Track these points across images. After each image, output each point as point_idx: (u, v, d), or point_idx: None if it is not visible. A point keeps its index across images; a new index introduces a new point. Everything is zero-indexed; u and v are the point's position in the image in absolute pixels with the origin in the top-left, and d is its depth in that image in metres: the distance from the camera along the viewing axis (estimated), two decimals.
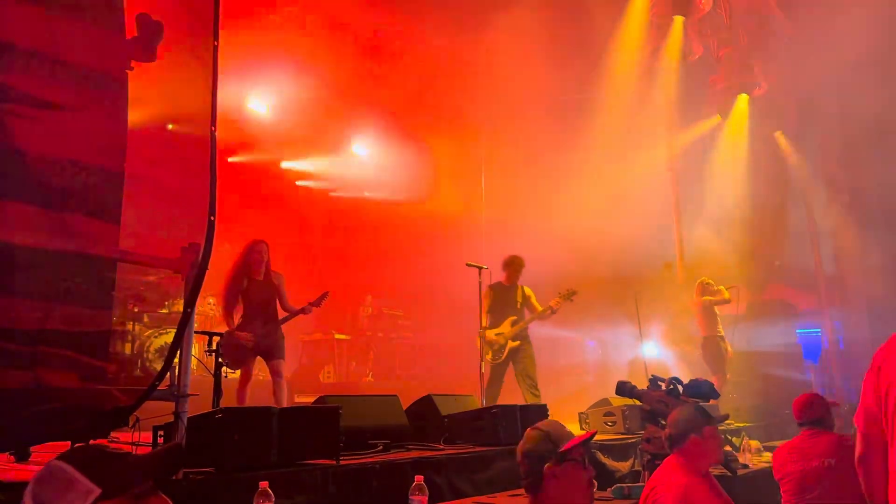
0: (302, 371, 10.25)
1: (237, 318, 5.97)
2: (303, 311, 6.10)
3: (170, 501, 1.40)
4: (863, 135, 10.53)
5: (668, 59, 10.59)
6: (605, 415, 6.37)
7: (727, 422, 7.71)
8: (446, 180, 11.29)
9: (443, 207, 10.70)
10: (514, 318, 7.24)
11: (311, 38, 9.56)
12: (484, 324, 7.09)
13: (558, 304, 7.08)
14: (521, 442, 2.41)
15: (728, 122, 11.51)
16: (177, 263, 2.87)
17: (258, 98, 10.00)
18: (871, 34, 9.02)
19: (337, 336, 10.21)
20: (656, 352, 10.19)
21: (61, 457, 1.39)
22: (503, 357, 7.14)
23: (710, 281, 9.39)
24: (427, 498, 2.64)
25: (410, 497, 2.64)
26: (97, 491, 1.32)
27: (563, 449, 2.30)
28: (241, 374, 6.11)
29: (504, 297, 7.30)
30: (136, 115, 2.63)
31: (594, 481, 2.42)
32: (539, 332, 7.76)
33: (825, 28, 9.45)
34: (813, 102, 11.17)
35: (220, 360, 3.71)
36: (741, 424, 8.34)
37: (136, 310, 7.66)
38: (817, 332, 12.55)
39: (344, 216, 10.75)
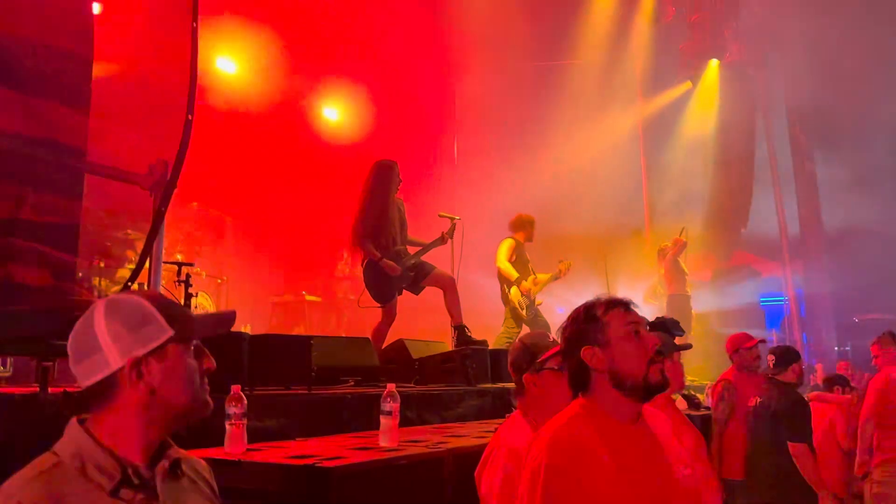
0: (272, 332, 10.19)
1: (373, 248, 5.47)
2: (441, 240, 5.80)
3: (210, 357, 1.44)
4: (830, 98, 10.72)
5: (641, 21, 10.64)
6: None
7: (691, 378, 7.94)
8: (419, 141, 11.24)
9: (416, 165, 10.67)
10: (533, 276, 7.44)
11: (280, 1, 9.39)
12: (515, 275, 7.28)
13: (562, 273, 7.32)
14: (509, 352, 2.54)
15: (698, 88, 11.63)
16: (143, 179, 2.83)
17: (226, 57, 9.79)
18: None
19: (308, 298, 10.15)
20: None
21: (131, 293, 1.43)
22: (529, 312, 7.38)
23: (667, 243, 9.60)
24: (399, 405, 2.66)
25: (382, 404, 2.67)
26: (170, 332, 1.36)
27: (540, 359, 2.39)
28: (386, 312, 5.66)
29: (523, 256, 7.46)
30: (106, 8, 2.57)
31: None
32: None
33: None
34: (781, 68, 11.34)
35: (189, 290, 3.68)
36: (705, 382, 8.54)
37: (102, 265, 7.55)
38: (780, 300, 12.86)
39: (318, 171, 10.62)
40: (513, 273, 7.33)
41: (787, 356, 4.43)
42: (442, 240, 5.86)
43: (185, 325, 1.40)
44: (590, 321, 1.86)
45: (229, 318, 1.50)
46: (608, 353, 1.82)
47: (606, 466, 1.71)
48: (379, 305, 5.63)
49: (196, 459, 1.53)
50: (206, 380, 1.44)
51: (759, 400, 4.34)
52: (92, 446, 1.31)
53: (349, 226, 5.67)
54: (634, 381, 1.79)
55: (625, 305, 1.88)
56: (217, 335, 1.48)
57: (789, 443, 4.08)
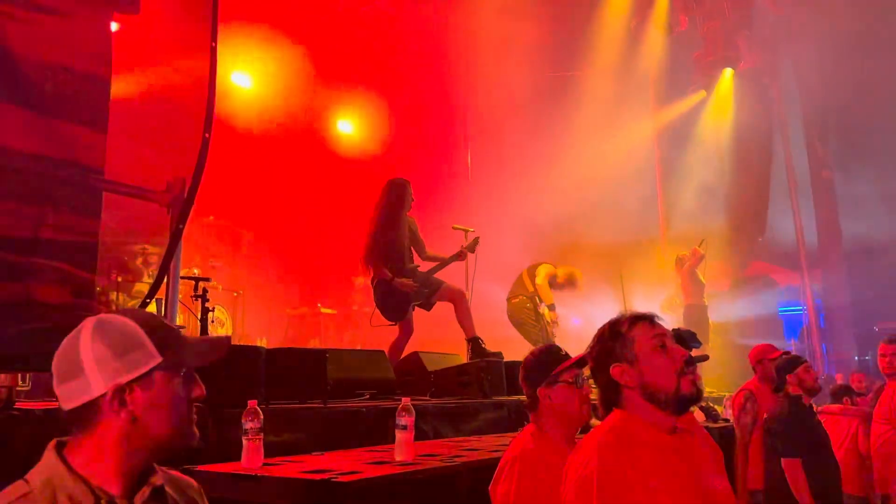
0: (288, 345, 10.23)
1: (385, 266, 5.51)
2: (459, 256, 5.82)
3: (202, 385, 1.38)
4: (846, 107, 10.65)
5: (654, 31, 10.63)
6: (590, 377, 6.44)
7: (709, 390, 7.88)
8: (433, 154, 11.28)
9: (429, 178, 10.71)
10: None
11: (295, 11, 9.49)
12: (551, 299, 7.77)
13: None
14: (521, 366, 2.53)
15: (713, 97, 11.58)
16: (161, 196, 2.87)
17: (241, 71, 9.90)
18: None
19: (323, 310, 10.19)
20: None
21: (123, 313, 1.34)
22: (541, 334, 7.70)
23: (685, 252, 9.57)
24: (414, 419, 2.67)
25: (397, 418, 2.67)
26: (158, 359, 1.30)
27: (554, 372, 2.40)
28: (403, 328, 5.70)
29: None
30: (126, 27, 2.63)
31: (590, 399, 2.49)
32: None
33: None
34: (796, 76, 11.28)
35: (206, 305, 3.72)
36: (724, 394, 8.45)
37: (119, 280, 7.63)
38: (799, 310, 12.72)
39: (332, 183, 10.68)
40: (550, 297, 7.73)
41: (789, 364, 4.30)
42: (461, 255, 5.87)
43: (176, 352, 1.33)
44: (616, 338, 1.87)
45: (223, 344, 1.44)
46: (637, 369, 1.82)
47: (654, 471, 1.70)
48: (391, 324, 5.65)
49: (187, 481, 1.46)
50: (193, 408, 1.36)
51: (768, 413, 4.30)
52: (64, 474, 1.25)
53: (362, 244, 5.69)
54: (667, 395, 1.79)
55: (650, 319, 1.89)
56: (218, 357, 1.41)
57: (782, 458, 4.03)
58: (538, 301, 7.87)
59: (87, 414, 1.28)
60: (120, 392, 1.27)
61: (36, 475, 1.25)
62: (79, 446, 1.28)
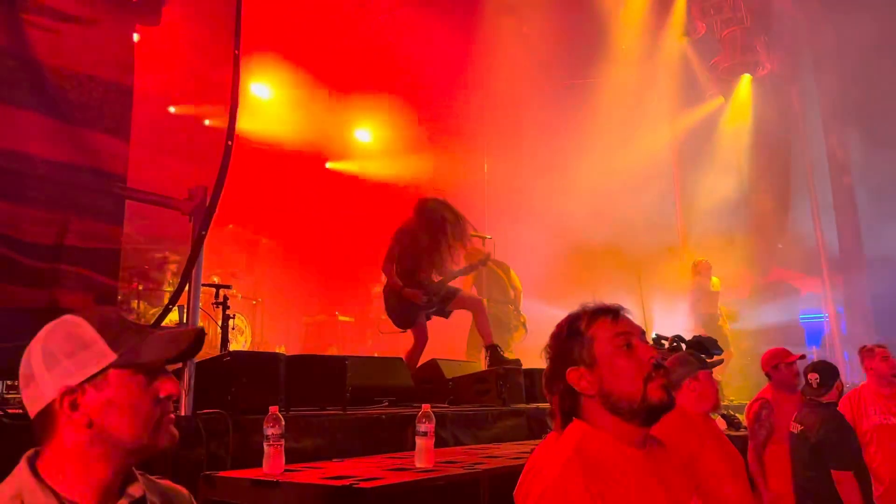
0: (306, 352, 10.27)
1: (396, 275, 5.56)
2: (471, 268, 5.88)
3: (177, 383, 1.28)
4: (867, 112, 10.54)
5: (671, 38, 10.59)
6: None
7: (730, 398, 7.79)
8: (449, 162, 11.30)
9: (446, 185, 10.72)
10: None
11: (313, 20, 9.57)
12: None
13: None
14: (543, 375, 2.50)
15: (731, 103, 11.51)
16: (183, 204, 2.89)
17: (260, 82, 9.99)
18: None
19: (341, 318, 10.22)
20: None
21: (81, 313, 1.26)
22: None
23: (703, 258, 9.49)
24: (434, 425, 2.66)
25: (417, 424, 2.67)
26: (112, 356, 1.21)
27: None
28: (417, 336, 5.73)
29: None
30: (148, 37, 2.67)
31: None
32: (543, 315, 7.83)
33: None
34: (816, 81, 11.18)
35: (226, 312, 3.74)
36: (745, 402, 8.34)
37: (140, 287, 7.71)
38: (821, 317, 12.55)
39: (349, 192, 10.75)
40: None
41: (831, 374, 4.11)
42: (471, 268, 5.87)
43: (135, 348, 1.23)
44: (573, 337, 1.60)
45: (187, 335, 1.30)
46: (597, 374, 1.55)
47: (620, 490, 1.46)
48: (400, 331, 5.68)
49: (176, 490, 1.38)
50: (168, 407, 1.26)
51: (800, 427, 4.13)
52: (33, 486, 1.17)
53: (382, 247, 5.72)
54: (631, 404, 1.51)
55: (613, 313, 1.61)
56: (191, 351, 1.29)
57: (833, 471, 3.90)
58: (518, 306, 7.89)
59: (45, 421, 1.20)
60: (70, 394, 1.19)
61: (5, 488, 1.17)
62: (47, 456, 1.21)
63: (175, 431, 1.27)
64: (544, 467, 1.54)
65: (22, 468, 1.19)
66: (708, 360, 3.22)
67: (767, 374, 4.57)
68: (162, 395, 1.25)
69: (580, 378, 1.56)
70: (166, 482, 1.36)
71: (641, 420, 1.53)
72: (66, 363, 1.20)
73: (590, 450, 1.51)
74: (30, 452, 1.22)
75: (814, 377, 4.09)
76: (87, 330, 1.23)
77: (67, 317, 1.26)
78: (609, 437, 1.53)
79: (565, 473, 1.46)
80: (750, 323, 10.46)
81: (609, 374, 1.54)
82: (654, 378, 1.52)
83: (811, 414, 4.04)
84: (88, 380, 1.20)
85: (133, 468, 1.28)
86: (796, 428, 4.07)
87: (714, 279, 9.64)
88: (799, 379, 4.35)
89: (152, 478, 1.33)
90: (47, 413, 1.20)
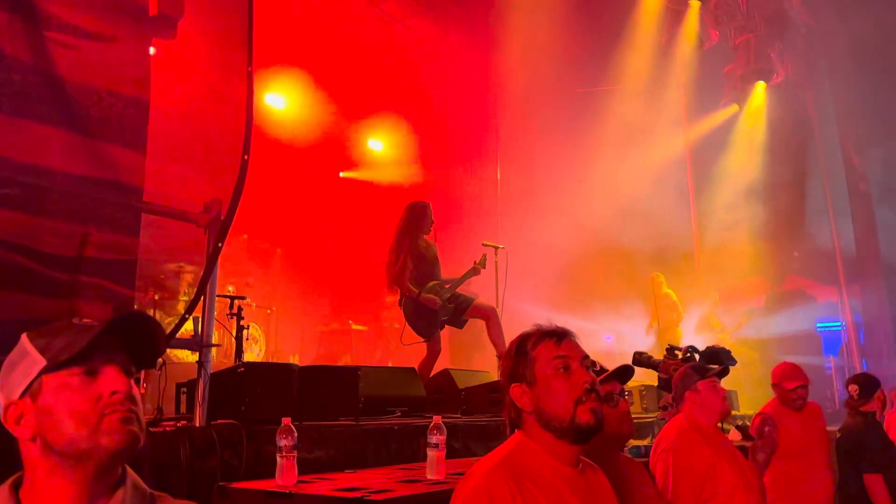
0: (320, 361, 10.30)
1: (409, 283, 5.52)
2: (474, 271, 5.80)
3: (124, 378, 1.19)
4: (884, 116, 10.45)
5: (684, 46, 10.58)
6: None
7: (745, 411, 7.72)
8: (462, 170, 11.33)
9: (459, 194, 10.75)
10: None
11: (327, 30, 9.65)
12: None
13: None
14: None
15: (745, 111, 11.46)
16: (199, 217, 2.94)
17: (274, 92, 10.07)
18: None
19: (354, 327, 10.25)
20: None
21: (28, 329, 1.22)
22: None
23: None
24: (445, 438, 2.67)
25: (429, 436, 2.68)
26: (42, 362, 1.15)
27: None
28: (430, 348, 5.64)
29: None
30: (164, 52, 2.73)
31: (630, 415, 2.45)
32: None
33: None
34: (830, 88, 11.12)
35: (241, 323, 3.78)
36: None
37: (156, 297, 7.78)
38: (838, 325, 12.43)
39: (363, 201, 10.79)
40: None
41: (870, 385, 4.33)
42: (474, 271, 5.86)
43: (63, 350, 1.16)
44: (520, 355, 1.73)
45: (131, 324, 1.22)
46: (535, 392, 1.67)
47: (540, 499, 1.56)
48: (423, 340, 5.66)
49: None
50: (115, 405, 1.16)
51: (839, 435, 4.28)
52: None
53: (383, 269, 5.72)
54: (562, 423, 1.63)
55: (558, 337, 1.72)
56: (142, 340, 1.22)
57: (864, 474, 3.98)
58: None
59: (16, 444, 1.17)
60: (15, 409, 1.15)
61: None
62: (24, 479, 1.17)
63: (132, 430, 1.16)
64: (477, 469, 1.65)
65: (4, 494, 1.15)
66: (707, 371, 3.19)
67: (773, 389, 4.58)
68: (105, 393, 1.16)
69: (522, 395, 1.69)
70: (162, 495, 1.26)
71: (571, 439, 1.65)
72: (9, 380, 1.18)
73: (520, 458, 1.64)
74: (15, 476, 1.18)
75: (854, 388, 4.33)
76: (23, 342, 1.20)
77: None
78: (541, 451, 1.66)
79: (491, 474, 1.58)
80: (766, 331, 10.38)
81: (545, 393, 1.66)
82: (585, 402, 1.64)
83: (849, 421, 4.30)
84: (25, 391, 1.16)
85: (123, 480, 1.19)
86: (835, 436, 4.29)
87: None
88: (801, 403, 4.31)
89: (163, 494, 1.26)
90: (7, 435, 1.17)
